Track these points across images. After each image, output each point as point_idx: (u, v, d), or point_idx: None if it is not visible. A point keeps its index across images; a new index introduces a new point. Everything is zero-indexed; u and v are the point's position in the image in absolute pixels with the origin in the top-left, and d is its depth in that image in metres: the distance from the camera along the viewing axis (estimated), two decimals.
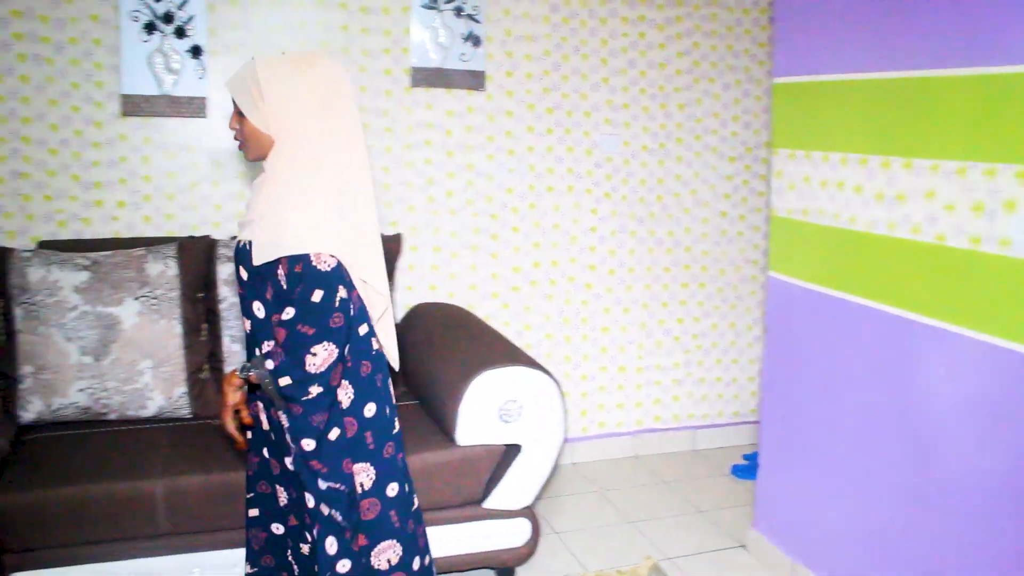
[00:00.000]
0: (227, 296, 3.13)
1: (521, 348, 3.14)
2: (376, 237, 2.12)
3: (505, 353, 3.00)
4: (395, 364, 2.25)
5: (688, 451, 4.30)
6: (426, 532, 2.32)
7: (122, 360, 2.97)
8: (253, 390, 2.11)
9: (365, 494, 2.12)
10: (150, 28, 3.33)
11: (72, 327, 2.95)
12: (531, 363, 2.93)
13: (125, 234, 3.44)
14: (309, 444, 2.03)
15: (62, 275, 2.98)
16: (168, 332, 3.02)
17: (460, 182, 3.77)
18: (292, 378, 1.94)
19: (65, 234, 3.37)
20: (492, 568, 3.06)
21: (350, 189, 2.04)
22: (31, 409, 2.95)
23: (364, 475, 2.11)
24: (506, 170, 3.82)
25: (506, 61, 3.75)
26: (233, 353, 3.12)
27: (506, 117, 3.78)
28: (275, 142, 2.02)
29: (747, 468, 3.96)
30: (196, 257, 3.13)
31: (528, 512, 2.99)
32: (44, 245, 3.20)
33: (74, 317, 2.96)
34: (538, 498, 3.07)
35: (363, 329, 2.08)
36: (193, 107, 3.41)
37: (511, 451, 2.91)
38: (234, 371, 2.05)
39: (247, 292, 2.08)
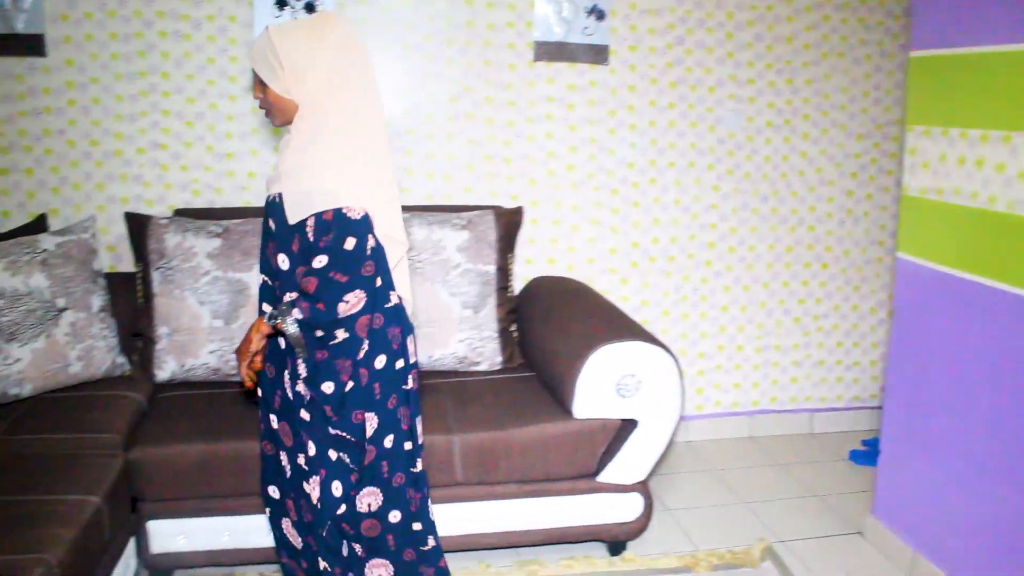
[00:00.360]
0: None
1: (639, 324, 3.13)
2: (393, 186, 2.17)
3: (624, 328, 3.00)
4: (410, 310, 2.26)
5: (804, 434, 4.22)
6: (426, 501, 2.36)
7: (250, 324, 3.08)
8: (273, 337, 2.18)
9: (367, 440, 2.18)
10: (281, 3, 3.43)
11: (204, 291, 3.08)
12: (650, 339, 2.92)
13: (254, 203, 3.56)
14: (329, 387, 2.10)
15: (196, 242, 3.11)
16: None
17: (581, 156, 3.76)
18: (324, 328, 2.03)
19: (199, 203, 3.52)
20: (603, 541, 3.08)
21: (370, 143, 2.10)
22: (166, 368, 3.10)
23: (369, 424, 2.16)
24: (627, 145, 3.79)
25: (629, 35, 3.71)
26: None
27: (628, 91, 3.75)
28: (299, 107, 2.07)
29: (866, 454, 3.85)
30: None
31: (641, 487, 2.99)
32: (180, 213, 3.34)
33: (206, 282, 3.09)
34: (651, 474, 3.05)
35: (377, 282, 2.10)
36: None
37: (627, 426, 2.91)
38: (262, 319, 2.12)
39: (275, 244, 2.12)
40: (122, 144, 3.46)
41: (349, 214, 2.00)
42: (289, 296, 2.08)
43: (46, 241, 3.03)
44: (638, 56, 3.73)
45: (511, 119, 3.68)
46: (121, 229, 3.46)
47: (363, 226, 2.02)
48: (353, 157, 2.06)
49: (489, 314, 3.26)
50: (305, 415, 2.14)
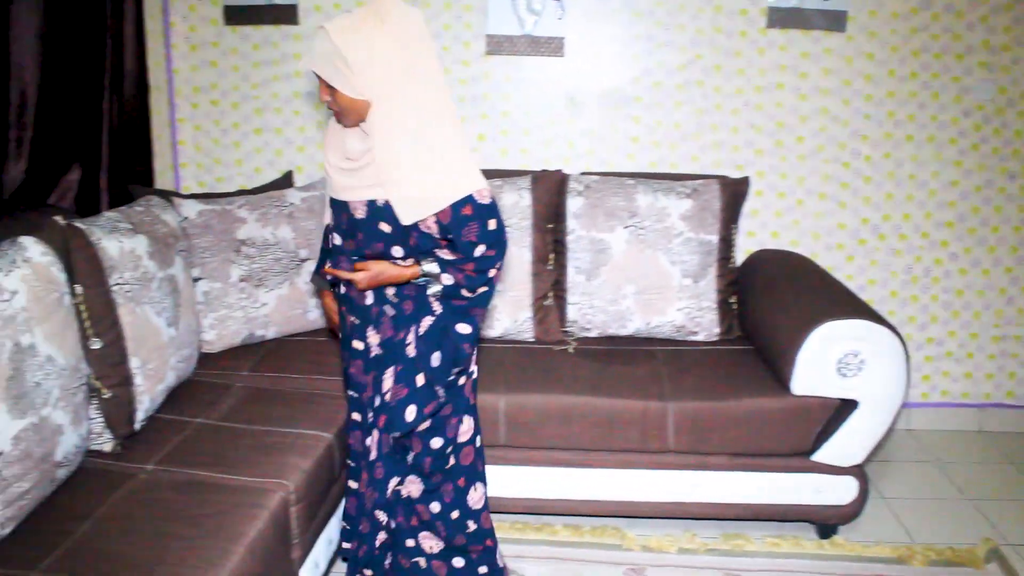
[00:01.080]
0: (575, 228, 3.26)
1: (864, 302, 3.01)
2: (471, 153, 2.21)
3: (849, 305, 2.90)
4: None
5: None
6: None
7: None
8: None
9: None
10: None
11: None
12: (877, 318, 2.81)
13: (483, 166, 3.63)
14: (466, 328, 2.21)
15: None
16: (518, 259, 3.22)
17: (812, 127, 3.63)
18: (472, 290, 2.17)
19: None
20: (812, 523, 3.01)
21: (450, 120, 2.09)
22: None
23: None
24: (862, 116, 3.62)
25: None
26: (577, 283, 3.25)
27: (866, 60, 3.58)
28: (371, 103, 2.03)
29: None
30: (548, 190, 3.28)
31: (857, 471, 2.89)
32: None
33: None
34: (868, 459, 2.94)
35: None
36: (552, 47, 3.55)
37: (846, 406, 2.82)
38: (418, 269, 2.15)
39: (389, 241, 2.15)
40: None
41: (483, 200, 2.09)
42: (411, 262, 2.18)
43: (292, 196, 3.26)
44: (879, 22, 3.54)
45: (739, 87, 3.60)
46: None
47: (495, 205, 2.12)
48: (451, 140, 2.08)
49: (709, 284, 3.23)
50: (411, 351, 2.20)
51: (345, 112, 2.07)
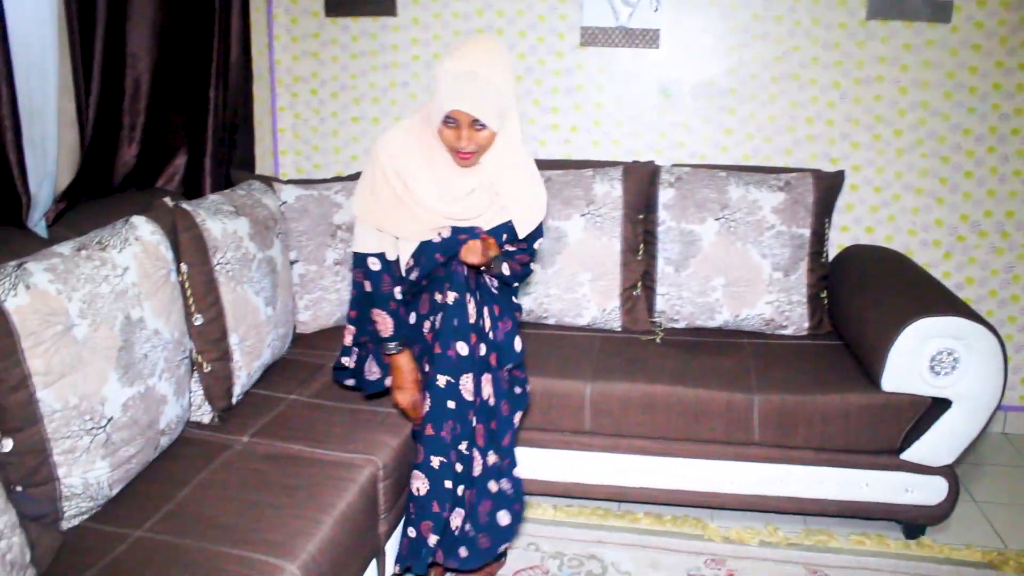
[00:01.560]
0: (665, 220, 3.26)
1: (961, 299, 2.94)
2: None
3: (945, 302, 2.83)
4: None
5: None
6: None
7: (565, 271, 3.24)
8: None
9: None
10: None
11: None
12: (973, 316, 2.74)
13: (575, 156, 3.71)
14: (516, 300, 2.48)
15: None
16: (608, 249, 3.24)
17: (911, 120, 3.55)
18: (521, 280, 2.45)
19: None
20: (899, 522, 2.96)
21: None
22: None
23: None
24: (965, 109, 3.52)
25: None
26: (666, 275, 3.26)
27: (971, 51, 3.48)
28: (496, 134, 2.14)
29: None
30: (640, 181, 3.29)
31: (947, 472, 2.83)
32: None
33: None
34: (959, 460, 2.87)
35: None
36: (647, 38, 3.56)
37: (938, 405, 2.77)
38: (493, 259, 2.28)
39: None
40: None
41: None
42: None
43: None
44: (987, 12, 3.43)
45: (837, 80, 3.54)
46: None
47: None
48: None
49: (800, 278, 3.20)
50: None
51: (482, 150, 2.16)
